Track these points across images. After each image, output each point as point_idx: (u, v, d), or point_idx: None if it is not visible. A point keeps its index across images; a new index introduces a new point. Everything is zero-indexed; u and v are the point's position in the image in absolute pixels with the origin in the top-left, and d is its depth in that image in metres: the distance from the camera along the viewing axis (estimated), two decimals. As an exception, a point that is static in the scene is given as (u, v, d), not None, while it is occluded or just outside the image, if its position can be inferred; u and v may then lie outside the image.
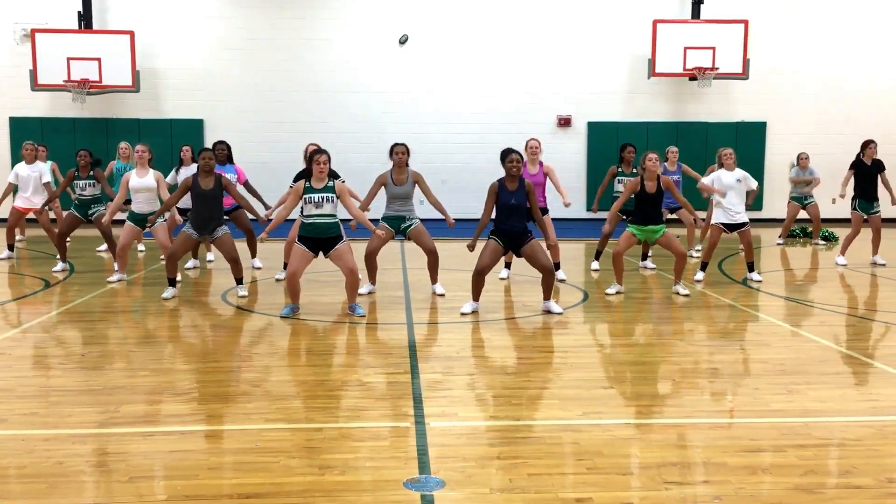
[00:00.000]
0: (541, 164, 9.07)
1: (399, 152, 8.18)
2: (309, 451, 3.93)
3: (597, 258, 10.30)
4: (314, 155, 7.21)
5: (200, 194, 8.05)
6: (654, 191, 8.28)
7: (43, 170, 10.94)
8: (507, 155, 7.31)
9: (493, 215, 7.44)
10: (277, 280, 9.27)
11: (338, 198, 7.22)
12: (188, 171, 10.06)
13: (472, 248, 7.43)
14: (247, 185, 9.93)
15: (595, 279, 9.61)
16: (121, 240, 9.09)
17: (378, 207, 8.46)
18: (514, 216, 7.31)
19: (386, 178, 8.24)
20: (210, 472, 3.67)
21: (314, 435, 4.17)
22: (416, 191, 8.34)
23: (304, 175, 8.01)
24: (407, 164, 8.26)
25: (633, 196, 8.38)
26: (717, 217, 9.35)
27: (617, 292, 8.43)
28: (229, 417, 4.50)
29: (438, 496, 3.41)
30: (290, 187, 8.09)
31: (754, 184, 9.46)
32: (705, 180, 9.56)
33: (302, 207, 7.32)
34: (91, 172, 10.04)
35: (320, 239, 7.24)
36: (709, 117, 17.69)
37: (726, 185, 9.21)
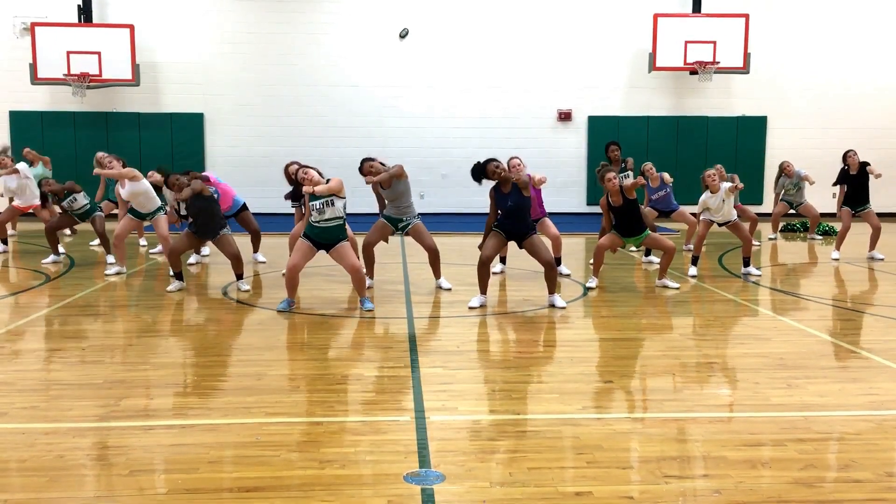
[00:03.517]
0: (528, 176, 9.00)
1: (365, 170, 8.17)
2: (309, 444, 3.94)
3: None
4: (299, 173, 7.32)
5: (191, 207, 8.26)
6: (620, 203, 8.32)
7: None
8: (483, 170, 7.34)
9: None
10: (283, 275, 9.23)
11: (335, 196, 7.13)
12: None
13: (482, 247, 7.48)
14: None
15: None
16: (117, 230, 9.12)
17: (366, 205, 8.44)
18: (514, 216, 7.39)
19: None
20: (210, 466, 3.68)
21: (314, 429, 4.18)
22: (407, 187, 8.25)
23: (294, 194, 8.67)
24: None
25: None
26: (706, 215, 9.48)
27: (596, 286, 8.48)
28: (230, 411, 4.50)
29: (438, 490, 3.42)
30: (295, 205, 8.81)
31: (739, 183, 9.53)
32: (700, 213, 9.59)
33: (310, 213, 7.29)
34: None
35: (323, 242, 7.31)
36: (709, 112, 17.67)
37: (713, 207, 9.28)
